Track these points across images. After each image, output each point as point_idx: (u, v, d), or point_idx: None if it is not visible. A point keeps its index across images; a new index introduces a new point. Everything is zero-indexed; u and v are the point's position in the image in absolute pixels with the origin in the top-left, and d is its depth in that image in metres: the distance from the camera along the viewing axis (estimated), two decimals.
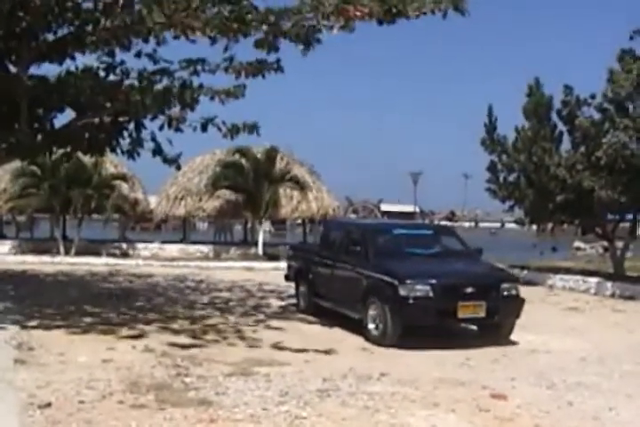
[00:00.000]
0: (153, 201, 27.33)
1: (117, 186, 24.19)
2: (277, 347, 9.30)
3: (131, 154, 11.64)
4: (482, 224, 78.07)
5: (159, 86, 10.79)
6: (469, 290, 9.71)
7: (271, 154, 23.79)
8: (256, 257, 23.56)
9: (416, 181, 53.04)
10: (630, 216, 18.22)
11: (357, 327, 10.30)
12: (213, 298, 14.34)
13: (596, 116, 16.54)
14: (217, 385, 7.15)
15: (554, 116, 18.26)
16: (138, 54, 10.58)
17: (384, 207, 64.94)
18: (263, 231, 25.73)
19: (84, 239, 24.20)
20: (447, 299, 9.58)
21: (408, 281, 9.62)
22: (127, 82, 11.03)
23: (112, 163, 24.86)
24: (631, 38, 15.48)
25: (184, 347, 9.10)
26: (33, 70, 10.99)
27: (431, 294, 9.56)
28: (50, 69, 11.15)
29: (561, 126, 18.07)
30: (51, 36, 10.53)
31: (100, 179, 23.59)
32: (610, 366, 8.68)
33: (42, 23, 9.95)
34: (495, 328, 10.25)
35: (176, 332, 10.23)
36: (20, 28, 10.02)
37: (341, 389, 7.16)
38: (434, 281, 9.64)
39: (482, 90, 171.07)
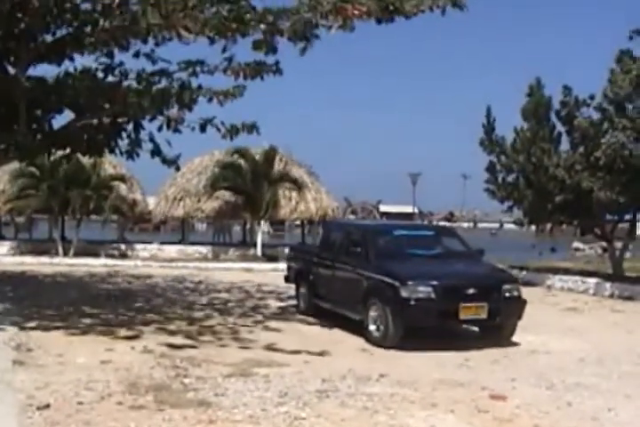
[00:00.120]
0: (152, 202, 27.33)
1: (116, 187, 24.18)
2: (276, 348, 9.29)
3: (130, 155, 11.65)
4: (480, 225, 78.13)
5: (158, 87, 10.79)
6: (471, 291, 9.67)
7: (270, 155, 23.79)
8: (255, 258, 23.56)
9: (415, 182, 53.03)
10: (629, 217, 18.24)
11: (357, 328, 10.29)
12: (212, 299, 14.33)
13: (595, 116, 16.57)
14: (216, 386, 7.14)
15: (552, 117, 18.29)
16: (136, 54, 10.58)
17: (383, 208, 65.00)
18: (262, 232, 25.73)
19: (82, 240, 24.20)
20: (449, 300, 9.54)
21: (409, 282, 9.58)
22: (126, 83, 11.04)
23: (111, 164, 24.88)
24: (630, 38, 15.49)
25: (183, 348, 9.09)
26: (31, 71, 11.01)
27: (433, 296, 9.52)
28: (48, 70, 11.18)
29: (560, 127, 18.10)
30: (49, 37, 10.52)
31: (99, 180, 23.58)
32: (609, 367, 8.68)
33: (40, 24, 9.95)
34: (497, 330, 10.21)
35: (175, 333, 10.22)
36: (18, 29, 10.01)
37: (340, 390, 7.16)
38: (435, 282, 9.61)
39: (480, 87, 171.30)
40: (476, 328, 10.57)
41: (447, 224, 55.09)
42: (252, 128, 11.21)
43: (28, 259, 22.26)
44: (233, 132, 11.14)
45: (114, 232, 29.30)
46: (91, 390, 6.84)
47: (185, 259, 23.80)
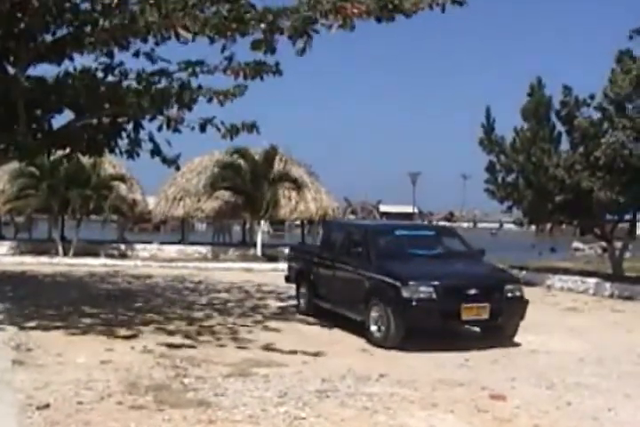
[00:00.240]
0: (151, 202, 27.33)
1: (116, 187, 24.18)
2: (276, 348, 9.28)
3: (130, 154, 11.65)
4: (480, 225, 78.19)
5: (158, 87, 10.78)
6: (473, 292, 9.61)
7: (270, 154, 23.79)
8: (255, 258, 23.55)
9: (415, 182, 53.06)
10: (629, 216, 18.23)
11: (357, 328, 10.28)
12: (212, 299, 14.33)
13: (595, 116, 16.57)
14: (216, 386, 7.14)
15: (552, 117, 18.29)
16: (136, 54, 10.57)
17: (383, 208, 65.10)
18: (262, 232, 25.73)
19: (82, 240, 24.20)
20: (450, 301, 9.49)
21: (411, 283, 9.53)
22: (125, 83, 11.03)
23: (110, 163, 24.88)
24: (630, 38, 15.49)
25: (182, 348, 9.09)
26: (31, 71, 11.01)
27: (434, 296, 9.47)
28: (48, 70, 11.17)
29: (560, 127, 18.11)
30: (49, 37, 10.50)
31: (99, 180, 23.58)
32: (609, 367, 8.68)
33: (40, 24, 9.93)
34: (499, 330, 10.16)
35: (174, 333, 10.21)
36: (18, 29, 9.99)
37: (340, 390, 7.16)
38: (437, 283, 9.55)
39: (480, 85, 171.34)
40: (477, 329, 10.54)
41: (447, 224, 55.10)
42: (251, 128, 11.21)
43: (28, 259, 22.27)
44: (233, 131, 11.14)
45: (113, 232, 29.30)
46: (90, 390, 6.84)
47: (185, 259, 23.79)
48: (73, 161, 17.92)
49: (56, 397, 6.57)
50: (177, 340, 9.65)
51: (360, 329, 10.17)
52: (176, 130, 11.11)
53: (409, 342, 9.41)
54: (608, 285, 16.30)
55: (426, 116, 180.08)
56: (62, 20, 9.98)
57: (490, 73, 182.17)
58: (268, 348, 9.29)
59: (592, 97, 16.60)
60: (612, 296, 15.81)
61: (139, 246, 25.55)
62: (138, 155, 11.63)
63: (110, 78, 11.07)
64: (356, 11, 8.79)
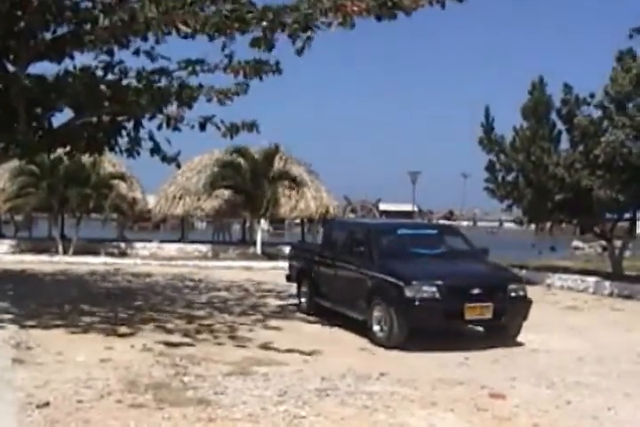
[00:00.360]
0: (151, 200, 27.34)
1: (116, 185, 24.18)
2: (276, 346, 9.28)
3: (130, 153, 11.64)
4: (480, 223, 78.19)
5: (157, 85, 10.78)
6: (476, 291, 9.55)
7: (269, 153, 23.79)
8: (255, 256, 23.55)
9: (414, 181, 52.98)
10: (629, 215, 18.23)
11: (358, 327, 10.27)
12: (212, 297, 14.33)
13: (595, 114, 16.57)
14: (215, 384, 7.14)
15: (552, 116, 18.29)
16: (136, 52, 10.57)
17: (382, 206, 64.95)
18: (261, 231, 25.73)
19: (82, 239, 24.19)
20: (454, 300, 9.43)
21: (414, 282, 9.47)
22: (125, 81, 11.03)
23: (110, 162, 24.87)
24: (630, 37, 15.46)
25: (182, 346, 9.09)
26: (31, 69, 11.00)
27: (438, 296, 9.41)
28: (48, 69, 11.17)
29: (560, 125, 18.11)
30: (49, 35, 10.49)
31: (99, 178, 23.58)
32: (608, 366, 8.68)
33: (40, 22, 9.92)
34: (502, 330, 10.12)
35: (174, 331, 10.21)
36: (18, 28, 9.98)
37: (340, 388, 7.16)
38: (440, 282, 9.49)
39: (480, 83, 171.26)
40: (479, 328, 10.50)
41: (447, 223, 55.07)
42: (251, 126, 11.21)
43: (28, 257, 22.27)
44: (233, 130, 11.13)
45: (113, 231, 29.28)
46: (90, 389, 6.85)
47: (184, 257, 23.80)
48: (73, 159, 17.93)
49: (56, 395, 6.58)
50: (176, 338, 9.66)
51: (361, 328, 10.16)
52: (176, 128, 11.11)
53: (410, 342, 9.40)
54: (608, 283, 16.30)
55: (426, 115, 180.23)
56: (62, 19, 9.97)
57: (490, 71, 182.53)
58: (267, 346, 9.29)
59: (592, 95, 16.60)
60: (611, 295, 15.81)
61: (139, 245, 25.54)
62: (138, 153, 11.62)
63: (110, 77, 11.06)
64: (355, 8, 8.77)
